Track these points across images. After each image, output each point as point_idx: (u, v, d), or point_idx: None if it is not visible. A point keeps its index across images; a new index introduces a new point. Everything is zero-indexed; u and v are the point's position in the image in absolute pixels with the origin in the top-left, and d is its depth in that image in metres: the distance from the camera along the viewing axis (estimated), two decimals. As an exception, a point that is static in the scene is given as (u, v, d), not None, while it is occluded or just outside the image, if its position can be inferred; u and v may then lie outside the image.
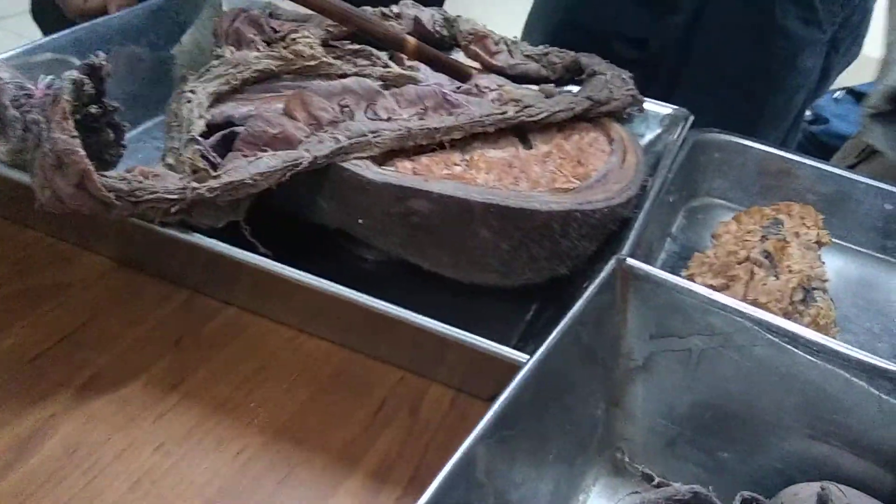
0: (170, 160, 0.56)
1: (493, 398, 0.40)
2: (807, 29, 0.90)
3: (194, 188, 0.52)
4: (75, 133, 0.49)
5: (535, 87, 0.71)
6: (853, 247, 0.71)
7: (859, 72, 1.02)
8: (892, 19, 0.77)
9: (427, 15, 0.76)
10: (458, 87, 0.68)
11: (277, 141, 0.57)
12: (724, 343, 0.45)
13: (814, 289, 0.57)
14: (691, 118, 0.72)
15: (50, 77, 0.57)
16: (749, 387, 0.45)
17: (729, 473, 0.46)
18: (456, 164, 0.60)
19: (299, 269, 0.52)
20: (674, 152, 0.68)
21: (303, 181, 0.55)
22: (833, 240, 0.64)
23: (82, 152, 0.49)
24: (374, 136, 0.58)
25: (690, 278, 0.58)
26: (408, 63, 0.70)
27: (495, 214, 0.55)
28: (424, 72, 0.70)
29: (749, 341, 0.45)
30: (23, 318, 0.54)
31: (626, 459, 0.48)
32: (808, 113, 1.31)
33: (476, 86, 0.68)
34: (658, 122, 0.74)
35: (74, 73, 0.51)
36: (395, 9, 0.76)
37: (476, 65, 0.74)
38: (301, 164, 0.55)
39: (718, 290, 0.51)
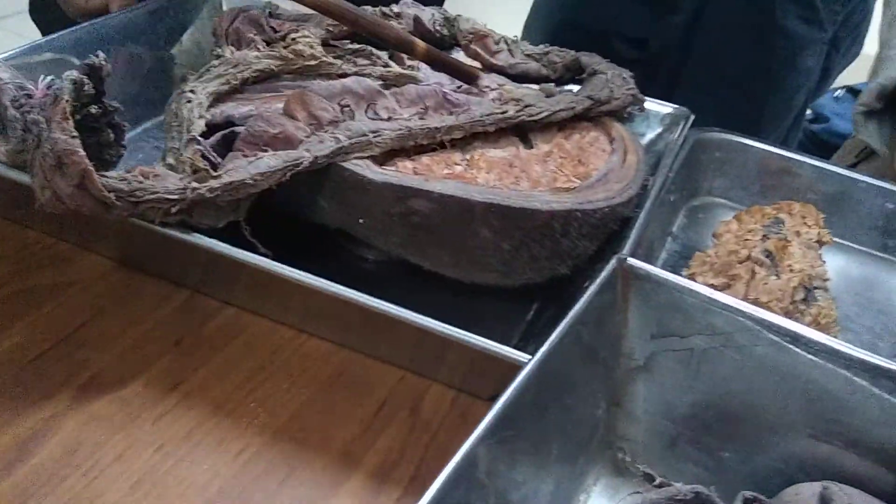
0: (170, 160, 0.56)
1: (493, 398, 0.40)
2: (808, 28, 0.90)
3: (194, 188, 0.52)
4: (75, 133, 0.49)
5: (535, 87, 0.71)
6: (854, 246, 0.71)
7: (860, 70, 1.02)
8: (885, 17, 0.77)
9: (427, 14, 0.76)
10: (459, 87, 0.68)
11: (278, 141, 0.57)
12: (725, 343, 0.45)
13: (815, 288, 0.57)
14: (692, 117, 0.72)
15: (50, 77, 0.57)
16: (750, 386, 0.45)
17: (730, 473, 0.46)
18: (456, 164, 0.60)
19: (300, 269, 0.52)
20: (675, 151, 0.68)
21: (303, 181, 0.55)
22: (834, 239, 0.64)
23: (82, 153, 0.49)
24: (375, 136, 0.58)
25: (691, 278, 0.58)
26: (408, 62, 0.70)
27: (496, 214, 0.55)
28: (425, 71, 0.70)
29: (750, 341, 0.45)
30: (23, 318, 0.54)
31: (628, 459, 0.48)
32: (808, 112, 1.31)
33: (476, 85, 0.68)
34: (659, 121, 0.74)
35: (74, 74, 0.51)
36: (395, 8, 0.76)
37: (476, 64, 0.74)
38: (301, 164, 0.55)
39: (719, 290, 0.51)
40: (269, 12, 0.75)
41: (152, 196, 0.51)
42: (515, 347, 0.50)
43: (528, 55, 0.75)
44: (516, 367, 0.42)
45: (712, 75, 0.92)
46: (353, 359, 0.55)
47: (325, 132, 0.57)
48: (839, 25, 0.92)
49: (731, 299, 0.45)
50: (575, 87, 0.73)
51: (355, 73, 0.67)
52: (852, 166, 0.84)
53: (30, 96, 0.55)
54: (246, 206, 0.55)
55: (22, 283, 0.57)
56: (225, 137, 0.59)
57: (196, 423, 0.49)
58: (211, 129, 0.59)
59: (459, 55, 0.75)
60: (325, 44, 0.71)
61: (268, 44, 0.70)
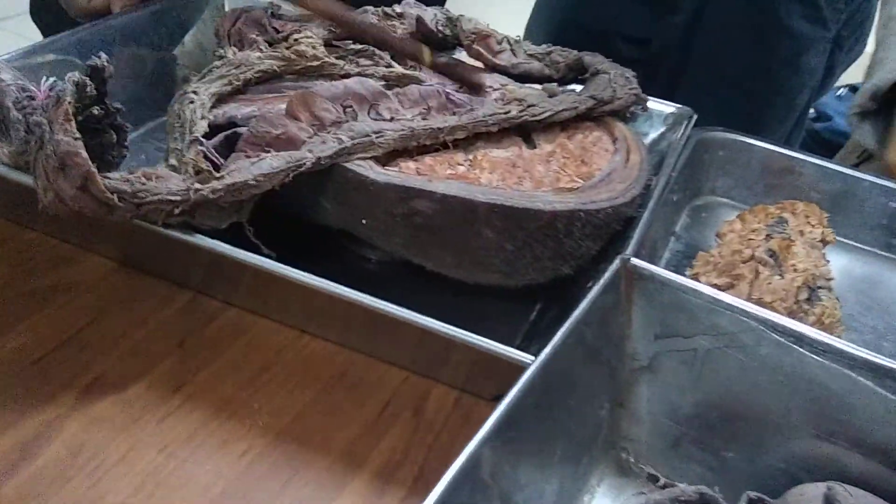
0: (172, 161, 0.56)
1: (496, 398, 0.40)
2: (811, 27, 0.90)
3: (197, 189, 0.52)
4: (78, 135, 0.49)
5: (538, 87, 0.71)
6: (858, 245, 0.71)
7: (864, 69, 1.02)
8: (881, 17, 0.77)
9: (430, 14, 0.76)
10: (461, 87, 0.68)
11: (280, 141, 0.57)
12: (729, 343, 0.45)
13: (819, 287, 0.57)
14: (695, 117, 0.72)
15: (52, 79, 0.57)
16: (754, 386, 0.45)
17: (734, 473, 0.46)
18: (459, 164, 0.60)
19: (302, 269, 0.52)
20: (678, 151, 0.68)
21: (306, 182, 0.55)
22: (838, 238, 0.64)
23: (85, 154, 0.49)
24: (378, 137, 0.58)
25: (695, 278, 0.58)
26: (410, 63, 0.70)
27: (499, 214, 0.54)
28: (426, 71, 0.70)
29: (754, 341, 0.45)
30: (26, 319, 0.54)
31: (631, 460, 0.48)
32: (811, 110, 1.31)
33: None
34: (662, 121, 0.74)
35: (76, 75, 0.51)
36: (397, 8, 0.76)
37: (479, 64, 0.74)
38: (304, 164, 0.55)
39: (723, 290, 0.51)
40: (272, 13, 0.75)
41: (155, 197, 0.51)
42: (518, 348, 0.50)
43: (530, 55, 0.75)
44: (520, 367, 0.42)
45: (713, 75, 0.92)
46: (356, 360, 0.55)
47: (328, 133, 0.57)
48: (842, 24, 0.92)
49: (735, 299, 0.45)
50: (578, 87, 0.73)
51: (358, 74, 0.67)
52: (855, 166, 0.84)
53: (32, 98, 0.55)
54: (249, 207, 0.55)
55: (25, 284, 0.57)
56: (227, 138, 0.59)
57: (199, 425, 0.49)
58: (213, 129, 0.59)
59: (462, 55, 0.75)
60: (327, 44, 0.71)
61: (270, 44, 0.70)
